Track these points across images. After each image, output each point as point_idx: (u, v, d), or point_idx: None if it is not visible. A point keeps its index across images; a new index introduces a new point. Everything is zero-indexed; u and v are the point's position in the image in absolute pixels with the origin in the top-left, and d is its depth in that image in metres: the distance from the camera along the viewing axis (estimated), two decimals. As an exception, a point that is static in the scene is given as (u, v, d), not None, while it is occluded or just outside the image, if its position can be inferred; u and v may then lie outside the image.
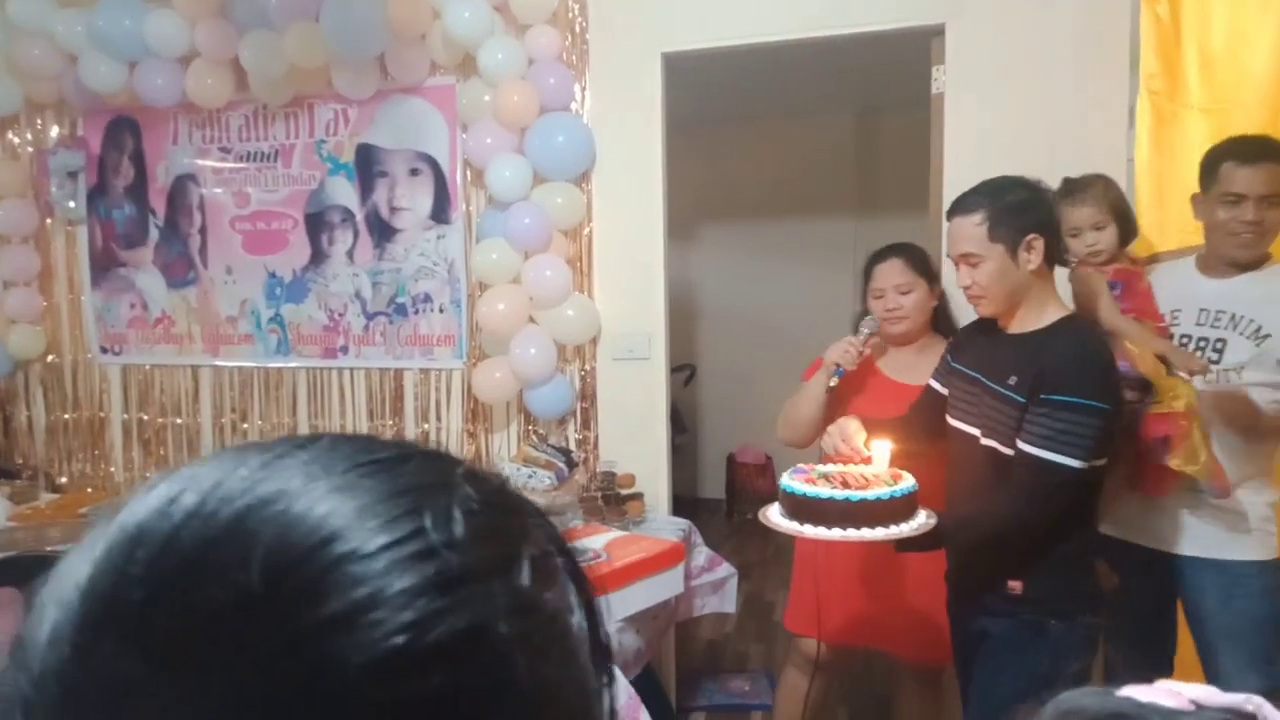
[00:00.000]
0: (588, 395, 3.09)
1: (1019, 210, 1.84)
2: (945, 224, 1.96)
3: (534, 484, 2.87)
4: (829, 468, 1.88)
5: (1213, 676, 2.14)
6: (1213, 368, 2.09)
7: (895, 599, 2.35)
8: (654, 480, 2.99)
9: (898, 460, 1.90)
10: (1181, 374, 2.03)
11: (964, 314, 2.49)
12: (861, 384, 2.37)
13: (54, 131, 3.57)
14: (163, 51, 3.09)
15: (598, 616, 0.42)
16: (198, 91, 3.15)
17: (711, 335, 5.47)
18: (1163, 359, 2.06)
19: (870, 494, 1.70)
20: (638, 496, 2.84)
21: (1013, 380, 1.83)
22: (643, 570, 2.23)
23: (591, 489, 2.83)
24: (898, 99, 4.10)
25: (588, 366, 3.08)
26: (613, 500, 2.78)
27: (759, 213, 4.88)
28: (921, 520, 1.75)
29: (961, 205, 1.90)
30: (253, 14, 2.99)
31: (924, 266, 2.39)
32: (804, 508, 1.73)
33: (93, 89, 3.22)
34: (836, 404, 2.31)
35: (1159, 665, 2.21)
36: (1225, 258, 2.11)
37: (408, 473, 0.38)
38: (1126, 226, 2.18)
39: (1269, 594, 2.07)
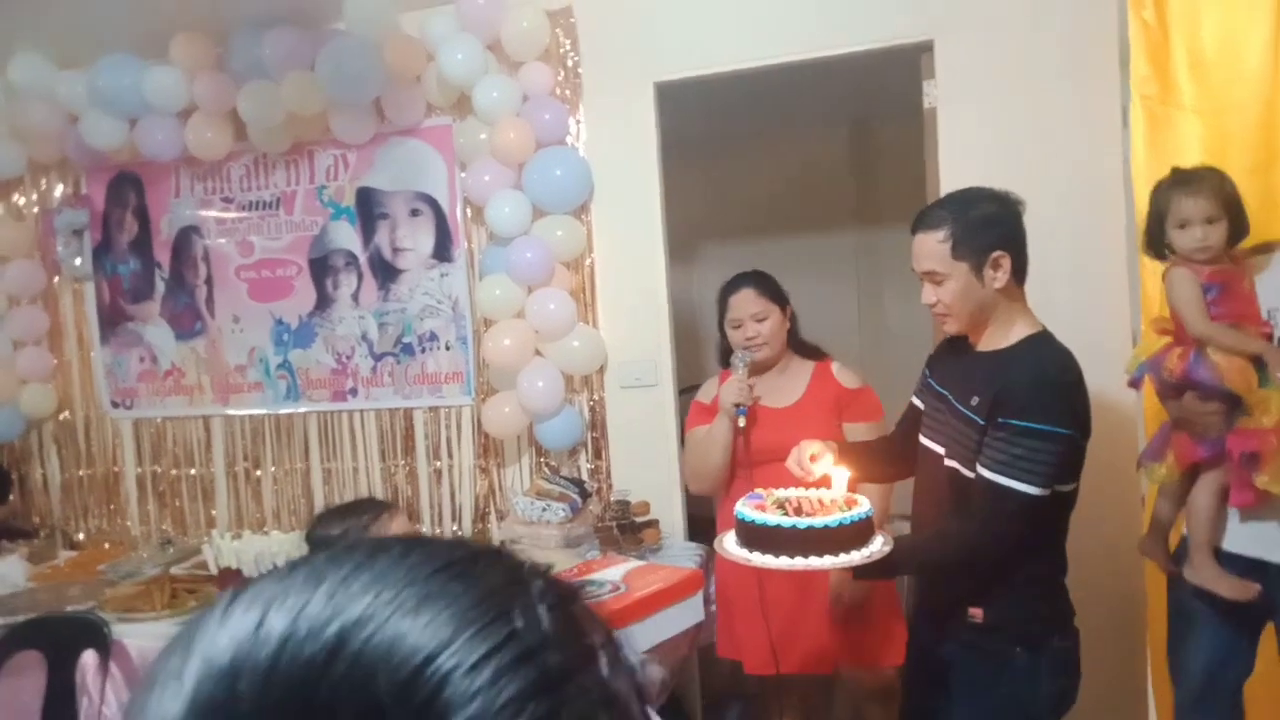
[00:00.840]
0: (598, 425, 3.09)
1: (984, 226, 1.77)
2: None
3: (548, 517, 2.86)
4: (786, 492, 1.83)
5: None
6: None
7: (841, 615, 2.38)
8: (668, 506, 2.99)
9: (855, 485, 1.85)
10: (1277, 379, 1.91)
11: (820, 338, 2.67)
12: (749, 418, 2.44)
13: (58, 190, 3.61)
14: (162, 107, 3.13)
15: (643, 692, 0.42)
16: (198, 144, 3.19)
17: (715, 356, 5.46)
18: (1259, 361, 1.94)
19: (822, 521, 1.64)
20: (653, 524, 2.83)
21: (975, 401, 1.78)
22: (663, 600, 2.21)
23: (606, 519, 2.83)
24: (892, 110, 4.12)
25: (596, 396, 3.09)
26: (628, 529, 2.78)
27: (759, 230, 4.89)
28: (876, 547, 1.68)
29: (924, 221, 1.82)
30: (249, 65, 3.03)
31: (774, 292, 2.52)
32: (757, 535, 1.67)
33: (94, 147, 3.26)
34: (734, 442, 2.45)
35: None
36: None
37: (485, 574, 0.37)
38: (1239, 224, 2.02)
39: None
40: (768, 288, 2.52)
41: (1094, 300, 2.59)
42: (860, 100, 4.34)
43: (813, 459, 1.93)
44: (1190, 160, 2.39)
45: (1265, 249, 2.13)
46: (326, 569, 0.37)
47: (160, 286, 3.52)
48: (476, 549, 0.40)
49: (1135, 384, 2.16)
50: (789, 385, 2.53)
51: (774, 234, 4.83)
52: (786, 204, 4.85)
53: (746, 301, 2.49)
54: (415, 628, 0.34)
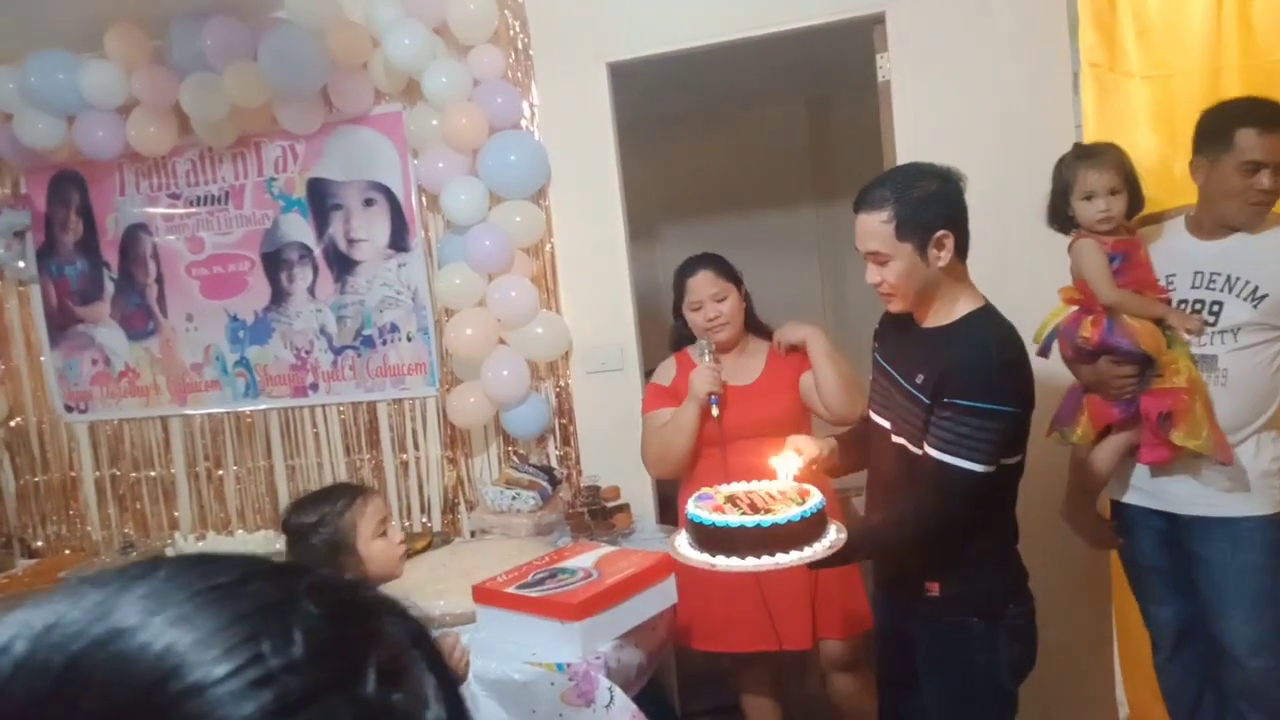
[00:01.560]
0: (565, 411, 3.08)
1: (927, 205, 1.75)
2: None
3: (518, 505, 2.85)
4: (732, 487, 1.82)
5: (1220, 632, 2.18)
6: (1208, 330, 2.08)
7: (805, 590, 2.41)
8: (639, 490, 2.99)
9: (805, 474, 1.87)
10: (1181, 339, 2.05)
11: (784, 314, 2.66)
12: (720, 403, 2.45)
13: (-4, 192, 3.50)
14: (100, 103, 3.04)
15: (461, 705, 0.43)
16: (140, 140, 3.10)
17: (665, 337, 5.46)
18: (1161, 323, 2.06)
19: (781, 518, 1.63)
20: (624, 508, 2.83)
21: (919, 379, 1.79)
22: (636, 585, 2.22)
23: (577, 505, 2.83)
24: (848, 84, 4.12)
25: (562, 382, 3.07)
26: (599, 514, 2.77)
27: (719, 207, 4.88)
28: (832, 538, 1.69)
29: (867, 200, 1.80)
30: (189, 58, 2.94)
31: (730, 273, 2.54)
32: (714, 537, 1.66)
33: (31, 146, 3.16)
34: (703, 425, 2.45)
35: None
36: (1229, 221, 2.09)
37: (248, 596, 0.38)
38: (1136, 196, 2.14)
39: (1272, 548, 2.10)
40: (724, 268, 2.54)
41: (1048, 269, 2.62)
42: (816, 75, 4.33)
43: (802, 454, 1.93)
44: (1140, 126, 2.44)
45: (1156, 219, 2.26)
46: (87, 590, 0.38)
47: (109, 287, 3.43)
48: (261, 569, 0.40)
49: (1044, 352, 2.28)
50: (749, 364, 2.55)
51: (734, 212, 4.83)
52: (746, 181, 4.84)
53: (705, 283, 2.50)
54: (156, 648, 0.35)
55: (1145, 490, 2.23)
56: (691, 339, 2.57)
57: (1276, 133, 1.99)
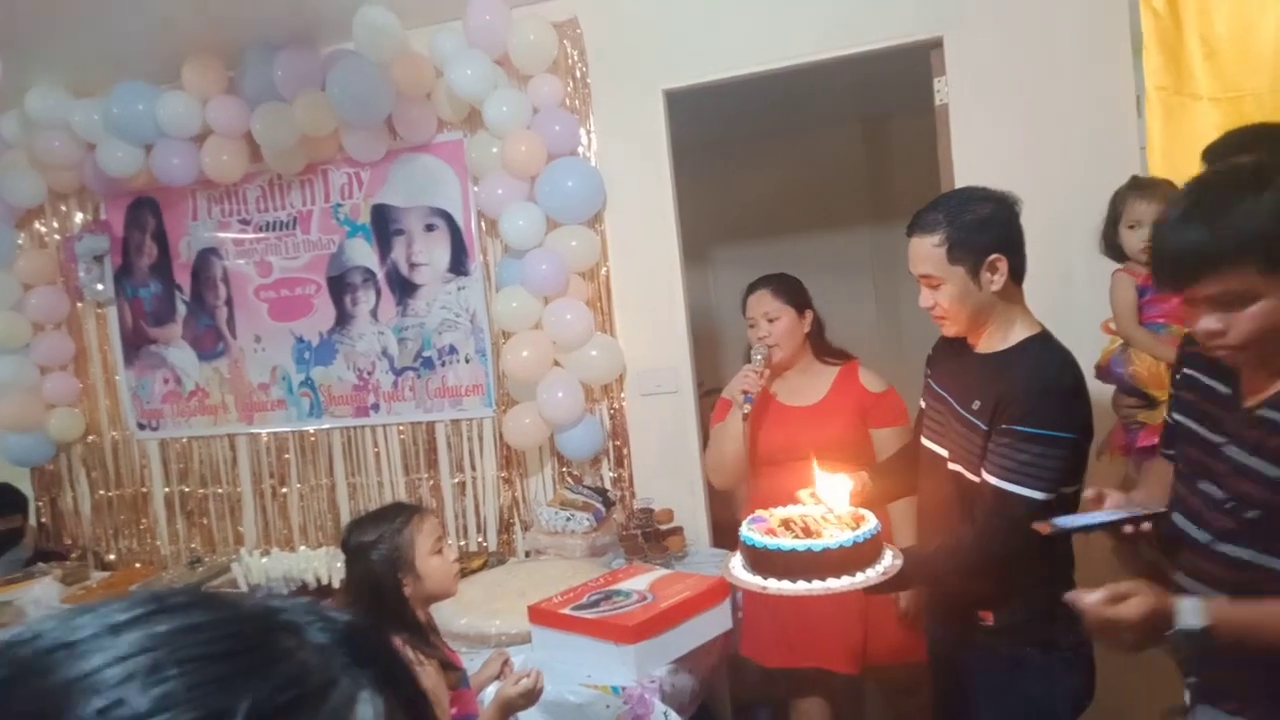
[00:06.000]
0: (619, 433, 3.10)
1: (979, 229, 1.74)
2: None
3: (573, 526, 2.88)
4: (788, 511, 1.81)
5: None
6: None
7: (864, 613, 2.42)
8: (693, 513, 2.99)
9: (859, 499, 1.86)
10: None
11: (837, 337, 2.71)
12: (763, 412, 2.54)
13: (78, 217, 3.65)
14: (176, 132, 3.17)
15: (404, 689, 0.45)
16: (213, 167, 3.22)
17: (737, 357, 5.43)
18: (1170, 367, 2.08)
19: (833, 543, 1.62)
20: (678, 531, 2.84)
21: (976, 405, 1.77)
22: (690, 609, 2.22)
23: (630, 527, 2.84)
24: (904, 105, 4.10)
25: (616, 404, 3.09)
26: (653, 537, 2.78)
27: (773, 230, 4.87)
28: (887, 563, 1.68)
29: (920, 224, 1.79)
30: (261, 88, 3.06)
31: (791, 295, 2.56)
32: (766, 560, 1.65)
33: (112, 174, 3.30)
34: (749, 435, 2.53)
35: None
36: None
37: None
38: None
39: None
40: (785, 289, 2.57)
41: (1106, 294, 2.58)
42: (873, 97, 4.32)
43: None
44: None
45: None
46: (82, 616, 0.42)
47: (181, 309, 3.56)
48: (261, 644, 0.42)
49: (1103, 377, 2.33)
50: (810, 386, 2.57)
51: (789, 234, 4.82)
52: (801, 204, 4.83)
53: (761, 302, 2.57)
54: (131, 692, 0.38)
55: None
56: None
57: None
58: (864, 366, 2.59)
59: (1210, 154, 1.99)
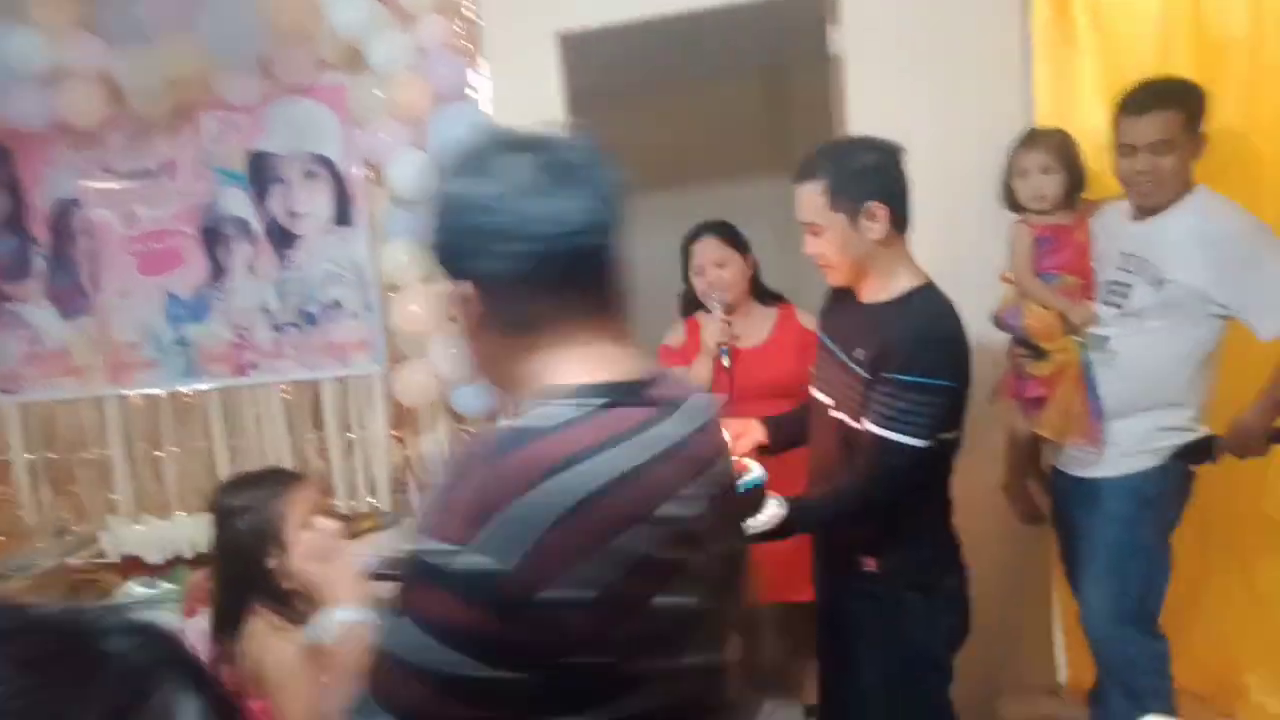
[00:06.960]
0: (515, 389, 3.02)
1: (859, 177, 1.76)
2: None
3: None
4: None
5: (1074, 589, 2.30)
6: (1115, 312, 2.14)
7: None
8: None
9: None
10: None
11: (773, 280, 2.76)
12: (731, 355, 2.55)
13: (-84, 163, 3.33)
14: (25, 71, 2.90)
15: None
16: (70, 111, 2.97)
17: (645, 303, 5.41)
18: (1063, 317, 2.16)
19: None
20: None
21: (859, 353, 1.79)
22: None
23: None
24: (804, 56, 4.08)
25: (513, 359, 3.01)
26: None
27: (674, 181, 4.80)
28: (772, 511, 1.70)
29: (804, 171, 1.81)
30: (121, 23, 2.82)
31: (736, 240, 2.64)
32: None
33: (-49, 115, 3.01)
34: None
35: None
36: (1134, 203, 2.17)
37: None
38: (1074, 176, 2.22)
39: (1125, 514, 2.16)
40: (728, 236, 2.63)
41: (1001, 243, 2.62)
42: (774, 47, 4.29)
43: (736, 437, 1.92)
44: (1090, 100, 2.46)
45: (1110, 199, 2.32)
46: None
47: (40, 264, 3.29)
48: (77, 653, 0.42)
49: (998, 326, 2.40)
50: (754, 327, 2.62)
51: (690, 184, 4.78)
52: (701, 154, 4.79)
53: (707, 249, 2.61)
54: None
55: (1056, 454, 2.34)
56: (699, 304, 2.63)
57: (1145, 115, 2.03)
58: (798, 308, 2.65)
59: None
